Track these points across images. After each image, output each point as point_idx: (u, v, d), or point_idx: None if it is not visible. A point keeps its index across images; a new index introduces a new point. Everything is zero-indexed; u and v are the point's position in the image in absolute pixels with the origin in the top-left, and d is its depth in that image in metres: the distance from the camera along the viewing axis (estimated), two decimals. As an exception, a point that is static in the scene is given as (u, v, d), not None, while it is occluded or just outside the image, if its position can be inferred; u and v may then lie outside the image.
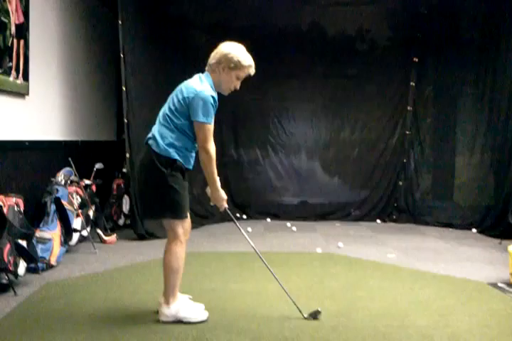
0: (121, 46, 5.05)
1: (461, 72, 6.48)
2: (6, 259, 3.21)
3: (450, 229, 6.17)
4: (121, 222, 5.77)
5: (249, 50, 2.85)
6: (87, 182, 5.11)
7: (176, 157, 2.76)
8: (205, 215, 6.19)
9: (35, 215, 4.20)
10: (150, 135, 2.84)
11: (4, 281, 3.29)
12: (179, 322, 2.80)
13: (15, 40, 4.13)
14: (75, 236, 4.53)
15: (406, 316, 3.00)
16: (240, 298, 3.31)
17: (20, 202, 3.67)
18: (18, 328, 2.74)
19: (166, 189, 2.77)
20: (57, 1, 5.10)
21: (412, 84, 6.72)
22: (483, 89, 6.28)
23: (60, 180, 4.53)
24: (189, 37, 6.33)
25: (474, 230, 5.97)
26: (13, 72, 4.12)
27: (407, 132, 6.79)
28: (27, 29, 4.32)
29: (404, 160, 6.81)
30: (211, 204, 2.97)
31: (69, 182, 4.66)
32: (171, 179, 2.76)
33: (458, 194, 6.68)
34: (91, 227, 4.92)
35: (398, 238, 5.58)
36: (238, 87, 2.87)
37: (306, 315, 2.89)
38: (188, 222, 2.88)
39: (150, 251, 4.59)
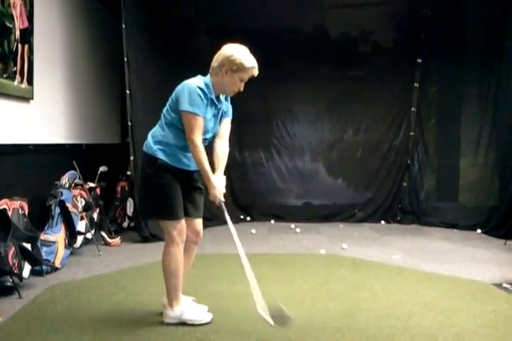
0: (124, 50, 5.07)
1: (465, 73, 6.47)
2: (10, 262, 3.22)
3: (455, 230, 6.15)
4: (125, 224, 5.79)
5: (252, 52, 2.85)
6: (92, 185, 5.13)
7: (159, 155, 2.73)
8: (209, 217, 6.18)
9: (39, 218, 4.21)
10: None
11: (9, 284, 3.30)
12: (183, 324, 2.81)
13: (19, 45, 4.15)
14: (80, 239, 4.54)
15: (411, 317, 2.99)
16: (245, 299, 3.29)
17: (25, 205, 3.69)
18: (22, 330, 2.75)
19: (152, 189, 2.78)
20: (61, 6, 5.13)
21: (416, 85, 6.71)
22: (487, 90, 6.26)
23: (64, 183, 4.54)
24: (192, 40, 6.35)
25: (479, 231, 5.95)
26: (18, 77, 4.15)
27: (411, 133, 6.78)
28: (31, 34, 4.35)
29: (409, 161, 6.80)
30: (210, 198, 2.85)
31: (73, 185, 4.68)
32: (155, 179, 2.75)
33: (462, 195, 6.66)
34: (95, 230, 4.93)
35: (403, 239, 5.57)
36: (242, 89, 2.85)
37: (273, 323, 2.63)
38: (182, 223, 2.82)
39: (154, 253, 4.58)
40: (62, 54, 5.19)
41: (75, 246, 4.43)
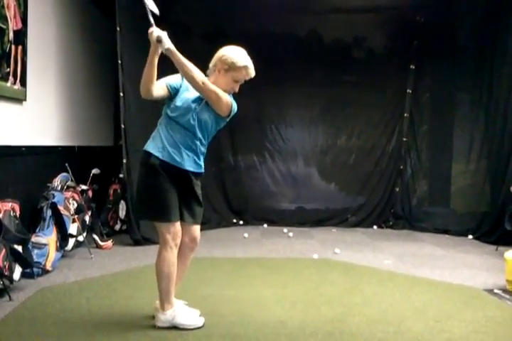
0: (119, 52, 5.07)
1: (458, 79, 6.52)
2: (1, 264, 3.19)
3: (446, 236, 6.17)
4: (117, 227, 5.76)
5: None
6: (84, 187, 5.11)
7: (150, 149, 2.72)
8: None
9: (31, 220, 4.19)
10: None
11: (-1, 286, 3.28)
12: (175, 328, 2.79)
13: (13, 46, 4.14)
14: (71, 242, 4.51)
15: (402, 322, 3.00)
16: (236, 303, 3.30)
17: (17, 207, 3.66)
18: (12, 333, 2.72)
19: (143, 189, 2.79)
20: (55, 8, 5.12)
21: (409, 91, 6.76)
22: (480, 96, 6.31)
23: (56, 185, 4.52)
24: (187, 43, 6.27)
25: (471, 236, 5.98)
26: (11, 78, 4.13)
27: (404, 139, 6.82)
28: (25, 35, 4.33)
29: (401, 167, 6.83)
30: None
31: (65, 187, 4.65)
32: (146, 179, 2.75)
33: (454, 200, 6.70)
34: (87, 232, 4.90)
35: (395, 244, 5.59)
36: (237, 90, 2.84)
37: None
38: (177, 226, 2.78)
39: (146, 256, 4.58)
40: (56, 56, 5.17)
41: (66, 248, 4.40)
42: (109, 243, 5.05)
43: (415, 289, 3.72)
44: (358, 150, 6.95)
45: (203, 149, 2.83)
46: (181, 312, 2.84)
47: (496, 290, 3.70)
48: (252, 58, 2.83)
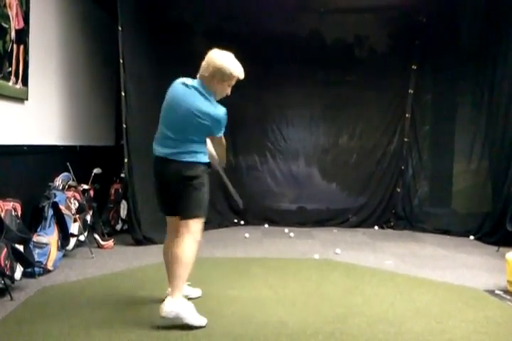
0: (120, 51, 5.06)
1: (460, 79, 6.50)
2: (2, 263, 3.20)
3: (448, 236, 6.16)
4: (118, 227, 5.77)
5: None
6: (85, 186, 5.12)
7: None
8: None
9: (32, 220, 4.19)
10: None
11: (0, 285, 3.28)
12: (176, 327, 2.78)
13: (15, 46, 4.14)
14: (72, 241, 4.52)
15: (403, 322, 3.00)
16: (237, 303, 3.30)
17: (18, 206, 3.67)
18: (14, 333, 2.73)
19: (202, 191, 3.05)
20: (57, 7, 5.12)
21: (411, 91, 6.73)
22: (481, 96, 6.29)
23: (58, 184, 4.53)
24: (188, 42, 6.34)
25: (472, 237, 5.97)
26: (13, 77, 4.13)
27: (405, 139, 6.81)
28: (27, 34, 4.34)
29: (402, 167, 6.82)
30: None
31: (67, 186, 4.66)
32: (204, 181, 3.11)
33: (456, 201, 6.68)
34: (88, 232, 4.91)
35: (396, 244, 5.58)
36: (229, 93, 3.07)
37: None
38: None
39: (147, 256, 4.59)
40: (58, 55, 5.17)
41: (67, 248, 4.41)
42: (111, 242, 5.05)
43: (416, 289, 3.72)
44: (359, 151, 6.94)
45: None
46: (190, 308, 2.84)
47: (497, 291, 3.69)
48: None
